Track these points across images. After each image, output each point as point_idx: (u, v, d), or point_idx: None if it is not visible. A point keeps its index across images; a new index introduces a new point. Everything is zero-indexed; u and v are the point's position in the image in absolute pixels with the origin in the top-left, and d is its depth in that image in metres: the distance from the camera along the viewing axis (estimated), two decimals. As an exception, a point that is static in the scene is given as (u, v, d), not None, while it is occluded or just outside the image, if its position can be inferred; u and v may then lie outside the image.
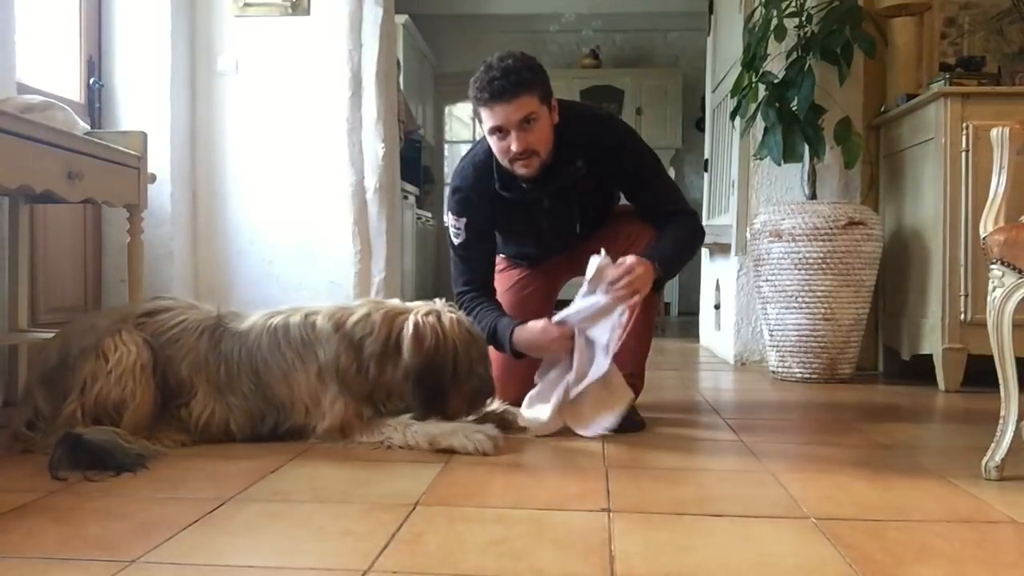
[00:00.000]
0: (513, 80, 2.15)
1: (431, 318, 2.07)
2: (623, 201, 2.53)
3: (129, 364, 1.95)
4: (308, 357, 2.03)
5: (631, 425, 2.22)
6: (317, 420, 2.02)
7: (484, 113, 2.22)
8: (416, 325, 2.05)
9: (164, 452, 1.90)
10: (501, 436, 1.99)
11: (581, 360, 2.15)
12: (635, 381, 2.40)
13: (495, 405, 2.26)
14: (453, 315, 2.12)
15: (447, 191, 2.52)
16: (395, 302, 2.16)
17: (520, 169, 2.26)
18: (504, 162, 2.28)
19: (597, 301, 2.13)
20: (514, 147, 2.20)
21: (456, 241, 2.42)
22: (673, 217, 2.35)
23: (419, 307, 2.11)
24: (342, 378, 2.02)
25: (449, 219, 2.44)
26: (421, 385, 2.03)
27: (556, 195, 2.35)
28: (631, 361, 2.37)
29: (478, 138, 2.50)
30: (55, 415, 1.95)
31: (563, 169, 2.30)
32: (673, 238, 2.30)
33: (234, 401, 2.02)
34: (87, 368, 1.95)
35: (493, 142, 2.26)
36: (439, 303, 2.17)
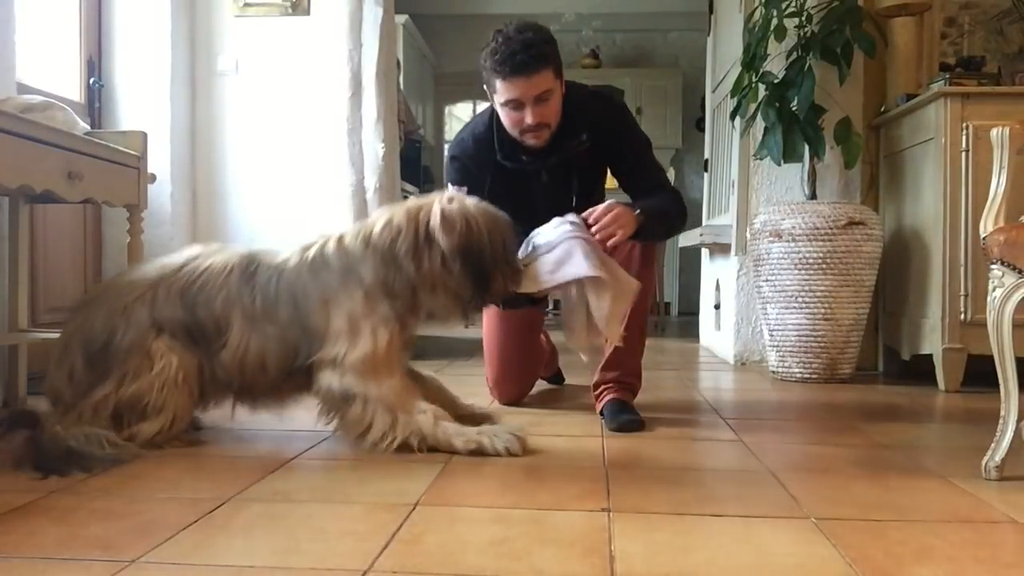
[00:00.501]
0: (534, 54, 2.18)
1: (455, 203, 2.02)
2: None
3: (171, 375, 1.93)
4: (351, 282, 1.97)
5: (631, 425, 2.23)
6: (349, 348, 1.93)
7: (500, 85, 2.23)
8: (443, 211, 2.00)
9: (141, 454, 1.88)
10: (527, 437, 1.98)
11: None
12: (632, 380, 2.41)
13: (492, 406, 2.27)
14: (473, 198, 2.07)
15: (445, 160, 2.52)
16: (411, 200, 2.11)
17: (530, 140, 2.31)
18: (514, 133, 2.32)
19: (566, 243, 2.12)
20: (529, 120, 2.25)
21: None
22: (661, 191, 2.40)
23: (436, 196, 2.07)
24: (388, 292, 1.98)
25: (447, 190, 2.44)
26: (466, 266, 1.98)
27: (555, 169, 2.38)
28: (627, 361, 2.38)
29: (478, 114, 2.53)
30: (86, 392, 1.94)
31: (567, 142, 2.35)
32: (658, 200, 2.34)
33: (270, 330, 1.97)
34: (131, 363, 1.93)
35: (505, 112, 2.29)
36: (452, 190, 2.14)
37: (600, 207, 2.17)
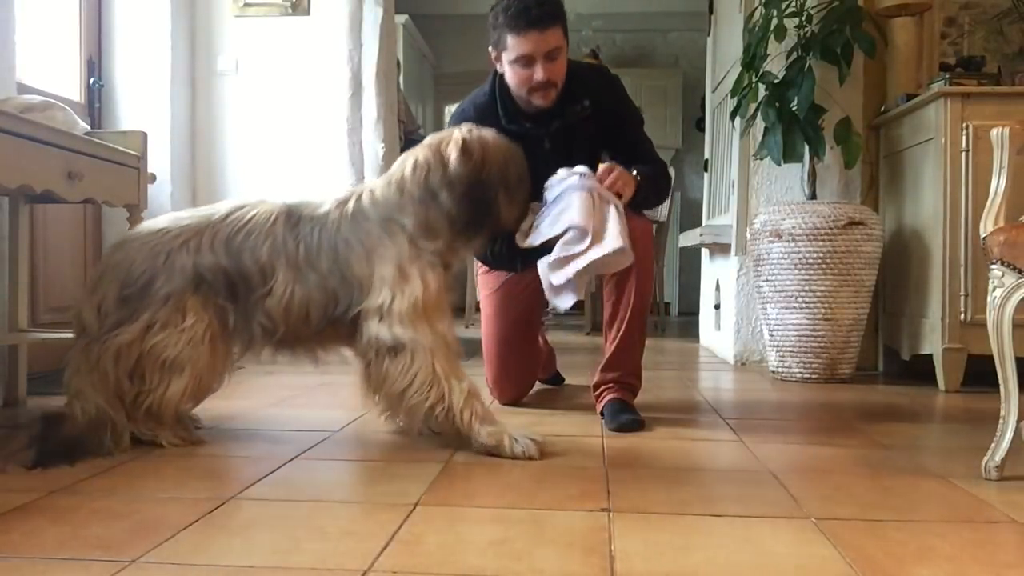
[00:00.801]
0: (548, 10, 2.24)
1: (474, 132, 2.04)
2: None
3: (200, 333, 1.92)
4: (393, 230, 1.97)
5: (631, 425, 2.23)
6: (398, 295, 1.92)
7: (513, 41, 2.26)
8: (463, 139, 2.01)
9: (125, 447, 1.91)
10: (545, 444, 1.95)
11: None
12: (632, 380, 2.41)
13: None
14: (490, 131, 2.09)
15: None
16: (429, 137, 2.10)
17: (538, 100, 2.34)
18: (521, 92, 2.35)
19: (566, 199, 2.15)
20: (539, 76, 2.28)
21: None
22: (653, 164, 2.47)
23: (458, 128, 2.08)
24: (431, 232, 1.98)
25: None
26: (469, 197, 1.98)
27: (558, 135, 2.40)
28: (627, 361, 2.38)
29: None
30: (112, 329, 1.92)
31: (569, 107, 2.38)
32: (651, 170, 2.41)
33: (313, 279, 1.96)
34: (163, 313, 1.91)
35: (514, 70, 2.31)
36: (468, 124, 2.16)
37: (602, 167, 2.22)
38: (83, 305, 1.99)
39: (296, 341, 2.05)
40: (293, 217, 2.01)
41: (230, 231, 1.98)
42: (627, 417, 2.25)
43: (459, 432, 1.93)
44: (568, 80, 2.37)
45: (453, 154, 1.98)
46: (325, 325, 1.99)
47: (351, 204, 2.01)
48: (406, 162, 2.04)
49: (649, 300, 2.42)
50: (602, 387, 2.40)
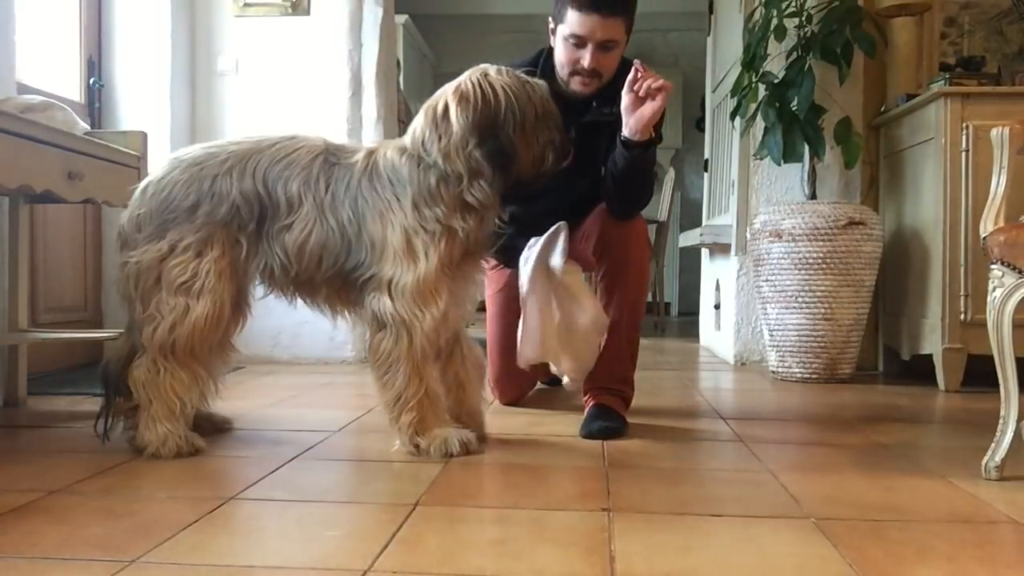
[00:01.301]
0: (618, 0, 2.18)
1: (475, 76, 1.94)
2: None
3: (223, 265, 1.92)
4: (400, 193, 1.92)
5: (603, 432, 2.15)
6: (404, 271, 1.87)
7: (573, 16, 2.17)
8: (458, 86, 1.93)
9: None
10: (474, 445, 1.94)
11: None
12: (623, 387, 2.34)
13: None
14: (503, 69, 1.97)
15: None
16: (434, 96, 2.01)
17: (576, 85, 2.26)
18: (564, 72, 2.26)
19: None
20: (586, 62, 2.20)
21: None
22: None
23: (463, 75, 1.99)
24: (432, 198, 1.90)
25: None
26: (483, 147, 1.89)
27: (587, 129, 2.29)
28: (612, 369, 2.31)
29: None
30: (146, 240, 1.93)
31: (604, 107, 2.28)
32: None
33: (332, 223, 1.93)
34: (192, 239, 1.91)
35: (565, 47, 2.22)
36: (489, 67, 2.09)
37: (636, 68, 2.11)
38: (126, 217, 1.99)
39: (311, 285, 2.01)
40: (330, 160, 1.97)
41: (272, 159, 1.96)
42: (598, 424, 2.17)
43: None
44: (614, 80, 2.24)
45: (452, 107, 1.90)
46: (333, 274, 1.95)
47: (372, 159, 1.97)
48: (414, 126, 1.98)
49: (641, 308, 2.36)
50: (588, 392, 2.33)
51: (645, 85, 2.08)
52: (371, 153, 1.98)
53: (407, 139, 1.96)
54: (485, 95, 1.90)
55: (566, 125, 2.24)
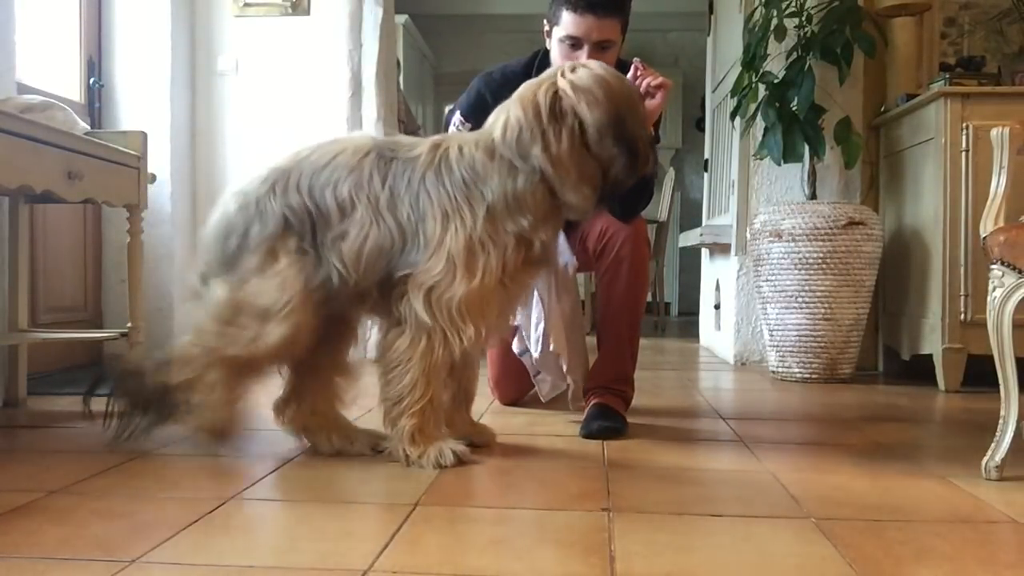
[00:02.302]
0: (613, 0, 2.16)
1: (577, 72, 1.83)
2: None
3: (293, 274, 1.78)
4: (473, 198, 1.78)
5: (602, 432, 2.15)
6: (456, 281, 1.74)
7: (568, 18, 2.16)
8: (573, 83, 1.80)
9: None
10: (459, 458, 1.83)
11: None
12: (620, 387, 2.33)
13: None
14: (593, 61, 1.92)
15: (465, 93, 2.39)
16: (520, 90, 1.89)
17: None
18: None
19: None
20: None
21: None
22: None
23: (553, 72, 1.87)
24: (518, 206, 1.78)
25: (455, 118, 2.33)
26: (619, 139, 1.78)
27: None
28: (612, 368, 2.31)
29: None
30: (215, 276, 1.85)
31: None
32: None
33: (390, 224, 1.79)
34: (255, 260, 1.80)
35: (561, 49, 2.20)
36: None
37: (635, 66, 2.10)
38: (190, 270, 1.94)
39: (361, 295, 1.85)
40: (385, 155, 1.84)
41: (315, 167, 1.84)
42: (599, 424, 2.17)
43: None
44: None
45: (581, 107, 1.77)
46: (384, 277, 1.82)
47: (440, 152, 1.83)
48: (496, 122, 1.84)
49: (641, 306, 2.35)
50: (588, 392, 2.33)
51: (645, 83, 2.08)
52: (437, 145, 1.85)
53: (496, 134, 1.82)
54: (605, 86, 1.80)
55: None
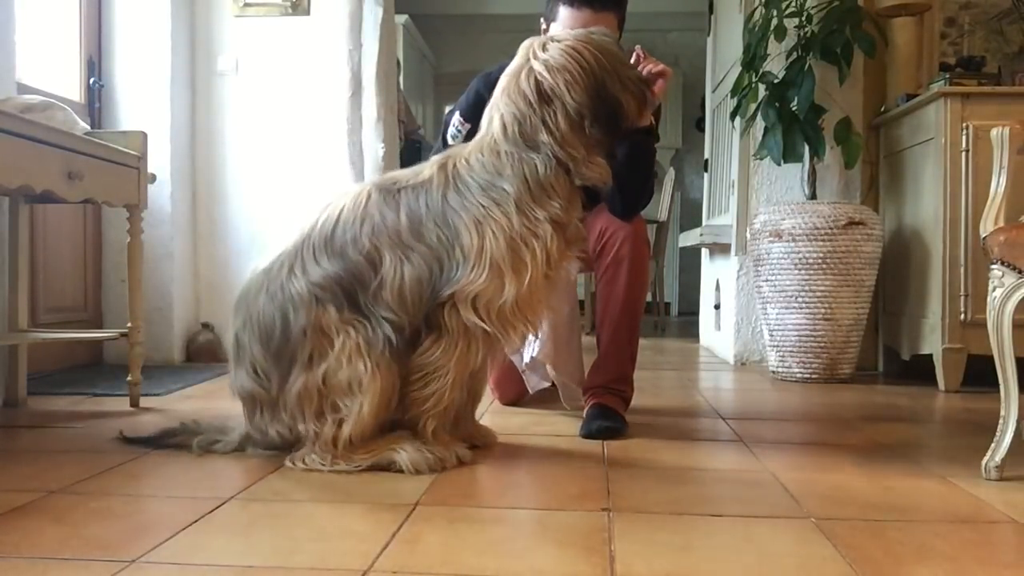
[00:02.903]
0: None
1: (551, 48, 1.81)
2: None
3: (353, 344, 1.72)
4: (498, 199, 1.76)
5: (603, 432, 2.15)
6: (504, 286, 1.72)
7: (565, 13, 2.19)
8: (547, 63, 1.79)
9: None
10: (450, 462, 1.81)
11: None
12: (620, 387, 2.32)
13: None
14: (564, 31, 1.93)
15: (464, 94, 2.36)
16: (503, 77, 1.87)
17: None
18: None
19: None
20: None
21: (450, 139, 2.28)
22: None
23: (526, 54, 1.84)
24: (543, 190, 1.77)
25: (454, 119, 2.31)
26: (599, 111, 1.78)
27: None
28: (612, 367, 2.30)
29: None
30: (280, 385, 1.77)
31: None
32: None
33: (422, 251, 1.75)
34: (311, 344, 1.74)
35: None
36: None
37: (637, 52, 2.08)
38: (237, 376, 1.85)
39: (415, 330, 1.80)
40: (388, 190, 1.81)
41: (326, 234, 1.80)
42: (598, 424, 2.16)
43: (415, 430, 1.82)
44: None
45: (558, 85, 1.76)
46: (429, 302, 1.77)
47: (450, 170, 1.81)
48: (492, 123, 1.84)
49: (640, 306, 2.33)
50: (588, 392, 2.33)
51: (646, 69, 2.06)
52: (444, 165, 1.83)
53: (496, 133, 1.82)
54: (580, 62, 1.78)
55: None
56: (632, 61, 2.05)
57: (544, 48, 1.83)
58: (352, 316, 1.75)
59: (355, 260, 1.77)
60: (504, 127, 1.81)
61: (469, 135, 2.12)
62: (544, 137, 1.78)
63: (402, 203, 1.79)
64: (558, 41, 1.84)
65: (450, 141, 2.28)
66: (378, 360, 1.74)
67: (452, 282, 1.75)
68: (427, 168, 1.84)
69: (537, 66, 1.81)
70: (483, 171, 1.79)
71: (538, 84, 1.80)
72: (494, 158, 1.80)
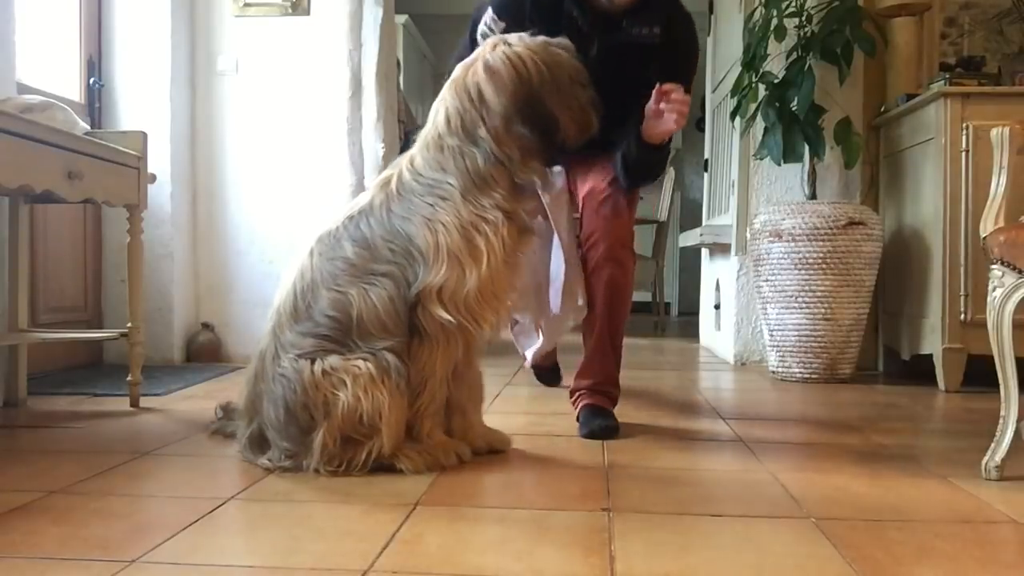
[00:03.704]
0: None
1: (499, 48, 1.82)
2: None
3: (365, 375, 1.71)
4: (445, 195, 1.77)
5: (604, 431, 2.15)
6: (465, 274, 1.73)
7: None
8: (486, 64, 1.80)
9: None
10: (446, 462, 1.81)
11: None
12: (612, 388, 2.31)
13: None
14: (523, 36, 1.86)
15: None
16: (457, 69, 1.87)
17: None
18: None
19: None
20: None
21: (479, 36, 2.19)
22: None
23: (480, 51, 1.85)
24: (486, 183, 1.78)
25: (486, 16, 2.21)
26: (528, 122, 1.78)
27: (612, 49, 2.18)
28: (599, 368, 2.29)
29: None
30: (304, 446, 1.75)
31: (636, 28, 2.17)
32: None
33: (381, 269, 1.76)
34: (317, 399, 1.73)
35: None
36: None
37: (678, 91, 2.05)
38: (248, 455, 1.84)
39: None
40: (328, 237, 1.82)
41: (289, 309, 1.80)
42: (599, 423, 2.16)
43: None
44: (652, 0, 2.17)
45: (486, 87, 1.78)
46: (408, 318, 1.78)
47: (394, 183, 1.82)
48: (437, 115, 1.85)
49: (625, 308, 2.30)
50: (576, 393, 2.32)
51: (673, 103, 2.05)
52: (386, 182, 1.84)
53: (440, 127, 1.83)
54: (516, 67, 1.79)
55: (595, 40, 2.17)
56: (665, 87, 2.05)
57: (494, 48, 1.84)
58: (354, 356, 1.75)
59: (328, 315, 1.76)
60: (448, 120, 1.83)
61: (505, 32, 2.00)
62: (483, 133, 1.79)
63: (344, 239, 1.80)
64: (509, 45, 1.83)
65: (479, 39, 2.14)
66: (391, 390, 1.73)
67: (417, 283, 1.76)
68: (370, 191, 1.87)
69: (479, 65, 1.83)
70: (428, 169, 1.81)
71: (477, 83, 1.81)
72: (438, 153, 1.82)
